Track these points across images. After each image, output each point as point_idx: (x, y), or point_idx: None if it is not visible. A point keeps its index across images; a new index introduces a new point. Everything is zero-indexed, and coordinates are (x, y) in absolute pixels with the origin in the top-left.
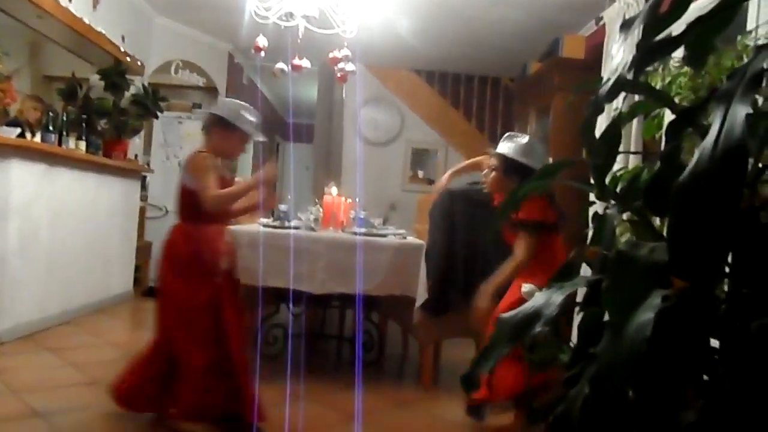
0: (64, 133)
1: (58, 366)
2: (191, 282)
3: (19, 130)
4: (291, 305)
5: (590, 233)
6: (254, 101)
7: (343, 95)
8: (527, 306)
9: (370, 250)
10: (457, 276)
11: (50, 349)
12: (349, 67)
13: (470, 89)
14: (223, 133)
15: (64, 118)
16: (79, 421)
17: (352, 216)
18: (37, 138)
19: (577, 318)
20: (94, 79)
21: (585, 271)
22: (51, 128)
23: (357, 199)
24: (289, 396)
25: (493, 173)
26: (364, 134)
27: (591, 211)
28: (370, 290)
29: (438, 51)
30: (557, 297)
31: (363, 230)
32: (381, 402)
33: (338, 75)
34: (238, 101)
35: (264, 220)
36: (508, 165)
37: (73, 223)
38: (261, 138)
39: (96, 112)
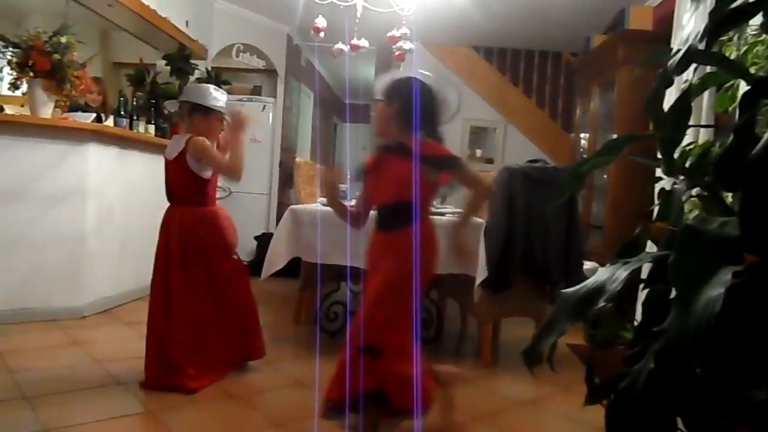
0: (134, 117)
1: (134, 338)
2: (218, 263)
3: (94, 115)
4: (349, 282)
5: (656, 209)
6: (312, 82)
7: None
8: (589, 281)
9: None
10: (516, 253)
11: (126, 322)
12: (407, 45)
13: (530, 65)
14: (204, 118)
15: (134, 103)
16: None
17: None
18: (110, 122)
19: (642, 296)
20: (161, 64)
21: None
22: (122, 113)
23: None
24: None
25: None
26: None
27: (657, 187)
28: None
29: (497, 26)
30: (621, 273)
31: None
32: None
33: (396, 54)
34: (204, 84)
35: (323, 200)
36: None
37: (143, 204)
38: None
39: (163, 97)
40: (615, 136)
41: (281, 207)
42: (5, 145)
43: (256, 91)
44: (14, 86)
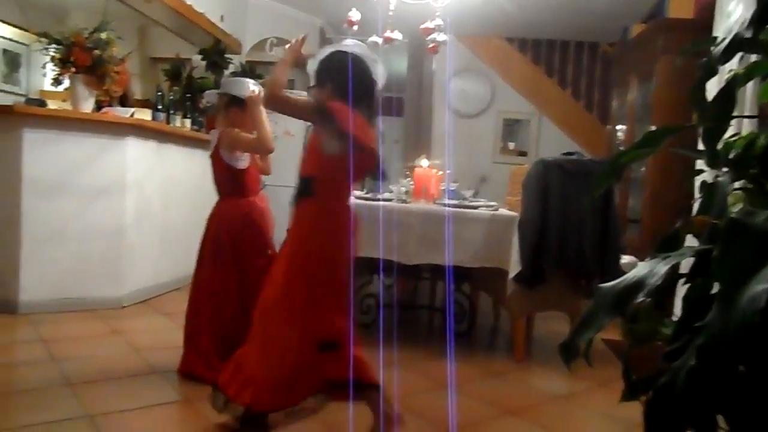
0: (171, 111)
1: (171, 328)
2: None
3: (133, 110)
4: (381, 275)
5: (697, 202)
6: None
7: (433, 66)
8: (629, 276)
9: (462, 223)
10: (551, 247)
11: (164, 313)
12: (441, 37)
13: (565, 56)
14: (240, 111)
15: (171, 98)
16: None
17: (442, 188)
18: (147, 115)
19: (681, 291)
20: (196, 59)
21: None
22: (159, 107)
23: (447, 172)
24: (382, 363)
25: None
26: (454, 106)
27: (698, 180)
28: (462, 262)
29: (531, 17)
30: (662, 267)
31: (454, 202)
32: (473, 372)
33: (430, 46)
34: (242, 77)
35: (357, 193)
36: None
37: (180, 197)
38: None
39: (198, 91)
40: (653, 127)
41: None
42: (49, 139)
43: (290, 84)
44: (57, 82)
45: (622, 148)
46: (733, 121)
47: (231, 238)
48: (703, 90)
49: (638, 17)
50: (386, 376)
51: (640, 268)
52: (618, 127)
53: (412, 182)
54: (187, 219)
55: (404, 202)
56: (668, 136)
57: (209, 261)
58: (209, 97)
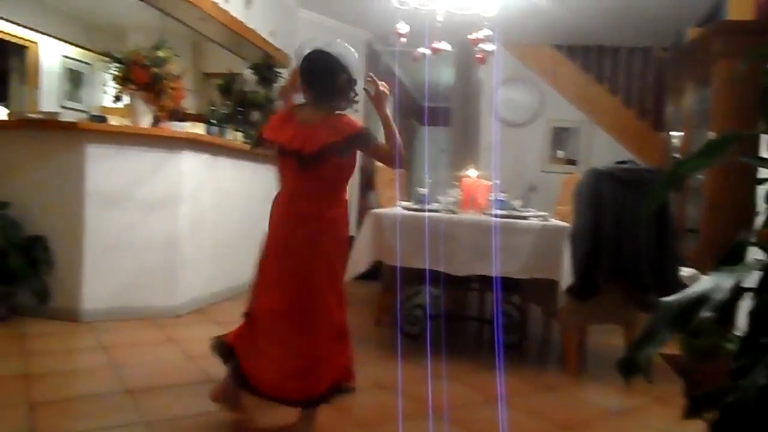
0: (223, 125)
1: None
2: None
3: (188, 124)
4: (428, 286)
5: (764, 214)
6: (391, 86)
7: (480, 76)
8: (693, 289)
9: (511, 233)
10: (604, 259)
11: (218, 322)
12: (489, 47)
13: (616, 62)
14: None
15: (223, 112)
16: None
17: (491, 198)
18: (201, 129)
19: (744, 305)
20: (247, 73)
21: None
22: (213, 121)
23: (496, 181)
24: (430, 374)
25: None
26: (502, 115)
27: (762, 190)
28: (511, 273)
29: (581, 22)
30: (727, 281)
31: (503, 212)
32: (524, 385)
33: (478, 56)
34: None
35: (404, 203)
36: None
37: (233, 208)
38: None
39: (249, 105)
40: (711, 134)
41: (362, 211)
42: (110, 154)
43: None
44: (117, 98)
45: (677, 156)
46: None
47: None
48: None
49: (694, 20)
50: (435, 387)
51: (704, 282)
52: (673, 133)
53: (460, 192)
54: (238, 230)
55: (452, 212)
56: (733, 143)
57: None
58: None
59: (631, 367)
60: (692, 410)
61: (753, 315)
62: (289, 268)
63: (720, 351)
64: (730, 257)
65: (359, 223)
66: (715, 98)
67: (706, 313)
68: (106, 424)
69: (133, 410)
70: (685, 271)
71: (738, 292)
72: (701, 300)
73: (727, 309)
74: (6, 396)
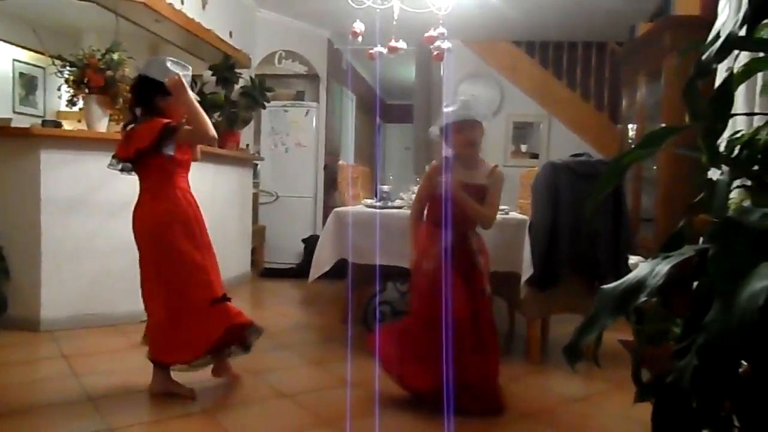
0: None
1: None
2: None
3: None
4: (377, 283)
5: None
6: (354, 85)
7: (441, 73)
8: (630, 276)
9: None
10: (562, 250)
11: None
12: (445, 45)
13: (573, 57)
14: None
15: None
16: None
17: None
18: None
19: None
20: (207, 75)
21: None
22: None
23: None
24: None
25: None
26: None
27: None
28: None
29: (537, 19)
30: (663, 267)
31: None
32: None
33: (434, 54)
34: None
35: (368, 201)
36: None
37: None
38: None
39: (210, 107)
40: (663, 125)
41: (327, 210)
42: (67, 159)
43: (299, 96)
44: (71, 103)
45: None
46: (743, 119)
47: None
48: (696, 90)
49: (644, 15)
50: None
51: (641, 269)
52: (629, 126)
53: None
54: None
55: None
56: (670, 136)
57: None
58: (433, 133)
59: (575, 353)
60: (641, 394)
61: (694, 298)
62: None
63: (669, 335)
64: (672, 243)
65: (324, 221)
66: (666, 91)
67: (643, 299)
68: None
69: (98, 419)
70: (632, 259)
71: (675, 277)
72: (638, 286)
73: (668, 293)
74: None
